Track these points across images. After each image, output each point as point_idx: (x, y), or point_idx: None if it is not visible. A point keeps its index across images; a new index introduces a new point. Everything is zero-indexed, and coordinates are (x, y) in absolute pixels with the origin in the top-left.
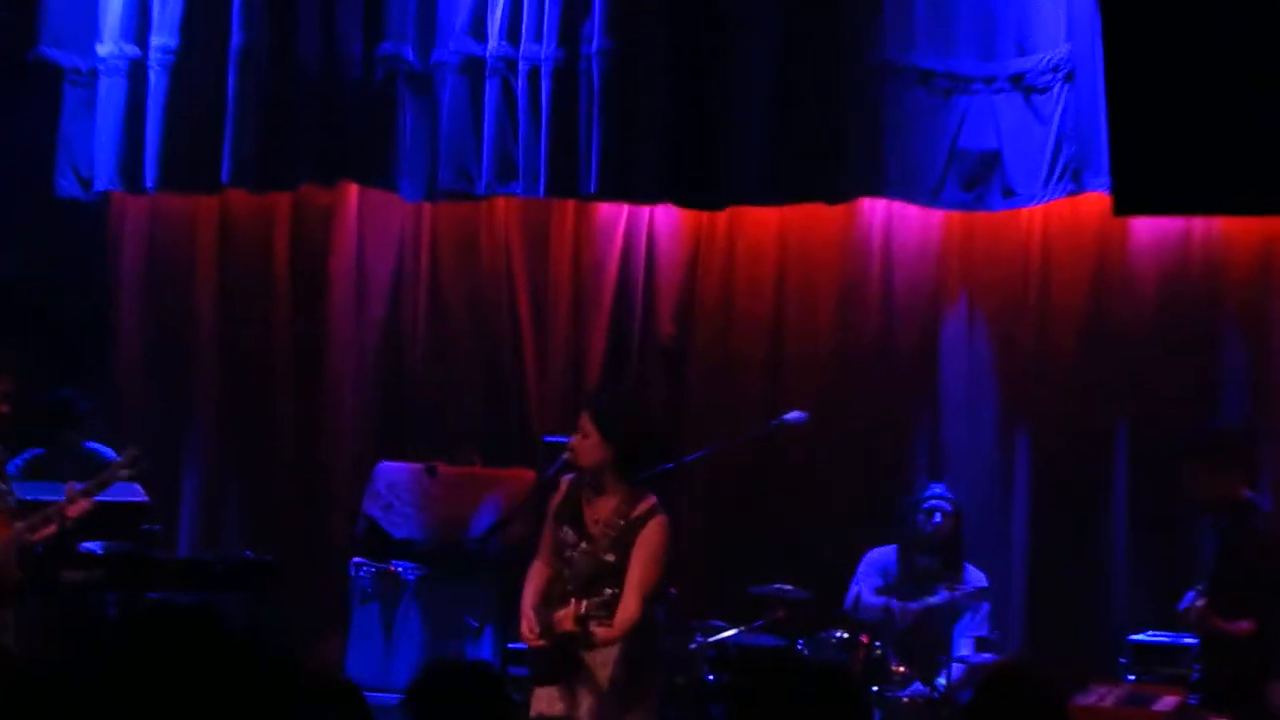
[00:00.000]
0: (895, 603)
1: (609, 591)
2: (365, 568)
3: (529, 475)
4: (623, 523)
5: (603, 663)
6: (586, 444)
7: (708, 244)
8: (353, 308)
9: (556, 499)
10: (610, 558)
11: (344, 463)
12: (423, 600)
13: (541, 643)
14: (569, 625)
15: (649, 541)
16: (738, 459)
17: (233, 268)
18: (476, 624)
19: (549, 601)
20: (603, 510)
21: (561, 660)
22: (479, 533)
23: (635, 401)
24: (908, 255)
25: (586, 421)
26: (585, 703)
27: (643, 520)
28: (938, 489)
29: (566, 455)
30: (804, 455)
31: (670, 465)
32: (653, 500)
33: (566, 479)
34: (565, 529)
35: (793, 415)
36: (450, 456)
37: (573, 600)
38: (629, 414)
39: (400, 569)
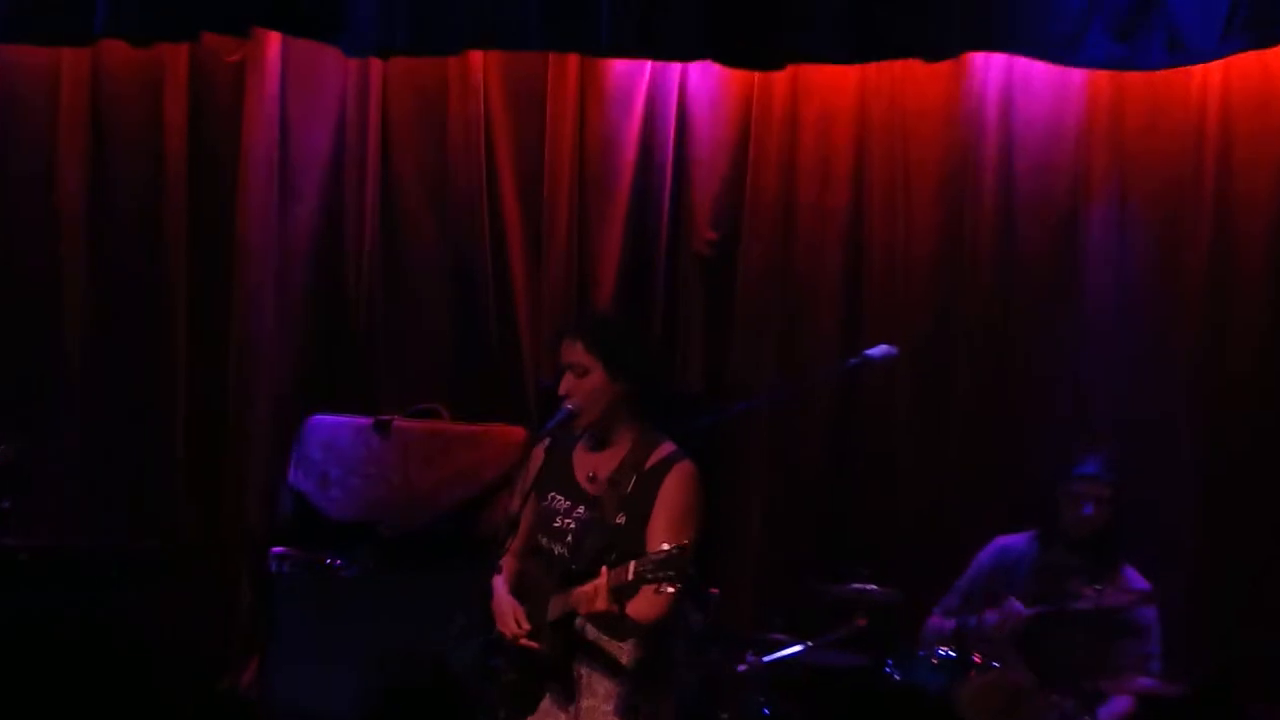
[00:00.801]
0: (1020, 607)
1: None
2: (291, 560)
3: (516, 433)
4: (634, 476)
5: (602, 679)
6: (586, 385)
7: (762, 116)
8: (273, 202)
9: (530, 473)
10: (620, 519)
11: (261, 416)
12: (370, 603)
13: (536, 644)
14: (602, 603)
15: (673, 498)
16: (803, 412)
17: (108, 147)
18: (442, 635)
19: (528, 599)
20: (604, 464)
21: (555, 671)
22: (448, 512)
23: (630, 319)
24: (1034, 132)
25: (580, 352)
26: None
27: (660, 471)
28: (1090, 468)
29: (570, 406)
30: (893, 407)
31: (712, 419)
32: (670, 446)
33: (541, 445)
34: (553, 496)
35: (877, 351)
36: (408, 407)
37: (605, 570)
38: (632, 334)
39: (339, 562)
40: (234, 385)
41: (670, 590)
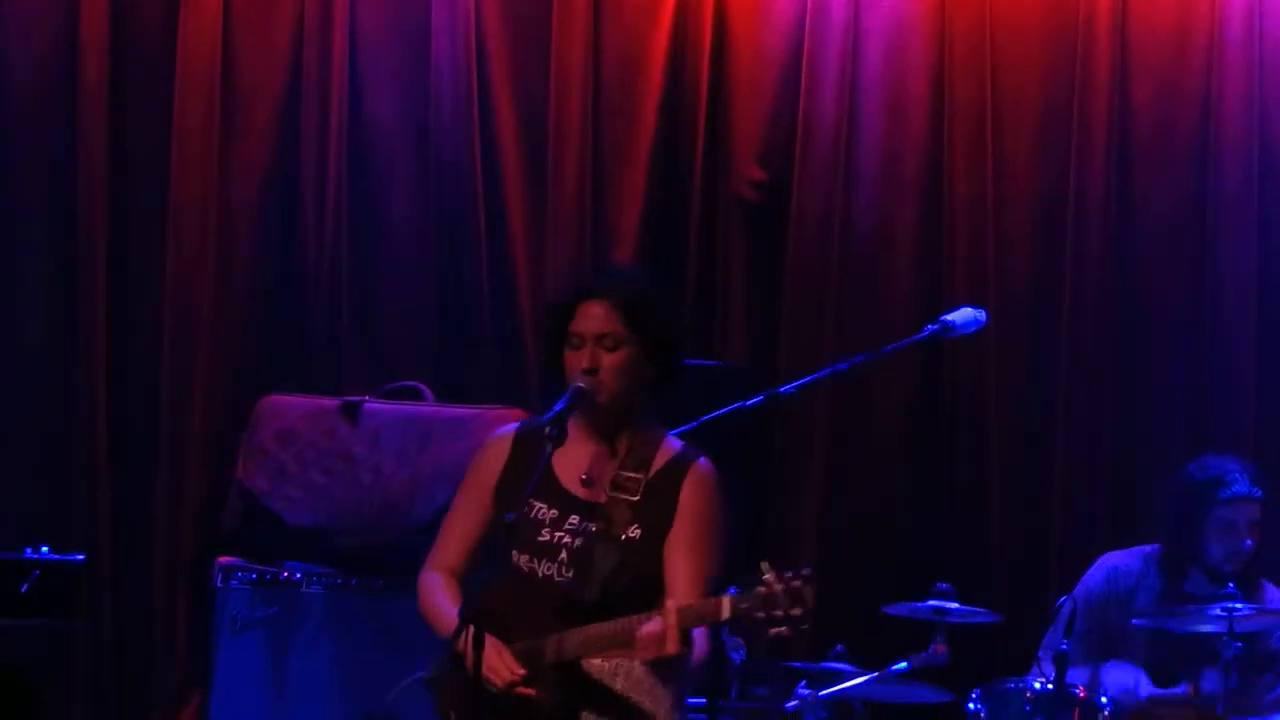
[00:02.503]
0: (1146, 689)
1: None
2: (240, 574)
3: (513, 417)
4: (643, 480)
5: None
6: (616, 362)
7: (817, 27)
8: (215, 136)
9: (493, 463)
10: (635, 533)
11: (201, 400)
12: (337, 627)
13: (534, 693)
14: (673, 646)
15: (698, 509)
16: (871, 391)
17: (7, 68)
18: (424, 667)
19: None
20: (599, 463)
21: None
22: (431, 514)
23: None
24: (1157, 46)
25: (615, 321)
26: None
27: (675, 474)
28: (1240, 487)
29: (583, 384)
30: (981, 387)
31: (758, 402)
32: (675, 440)
33: (506, 433)
34: (535, 504)
35: (961, 316)
36: (382, 387)
37: (673, 607)
38: (669, 302)
39: (298, 576)
40: (168, 370)
41: (785, 632)
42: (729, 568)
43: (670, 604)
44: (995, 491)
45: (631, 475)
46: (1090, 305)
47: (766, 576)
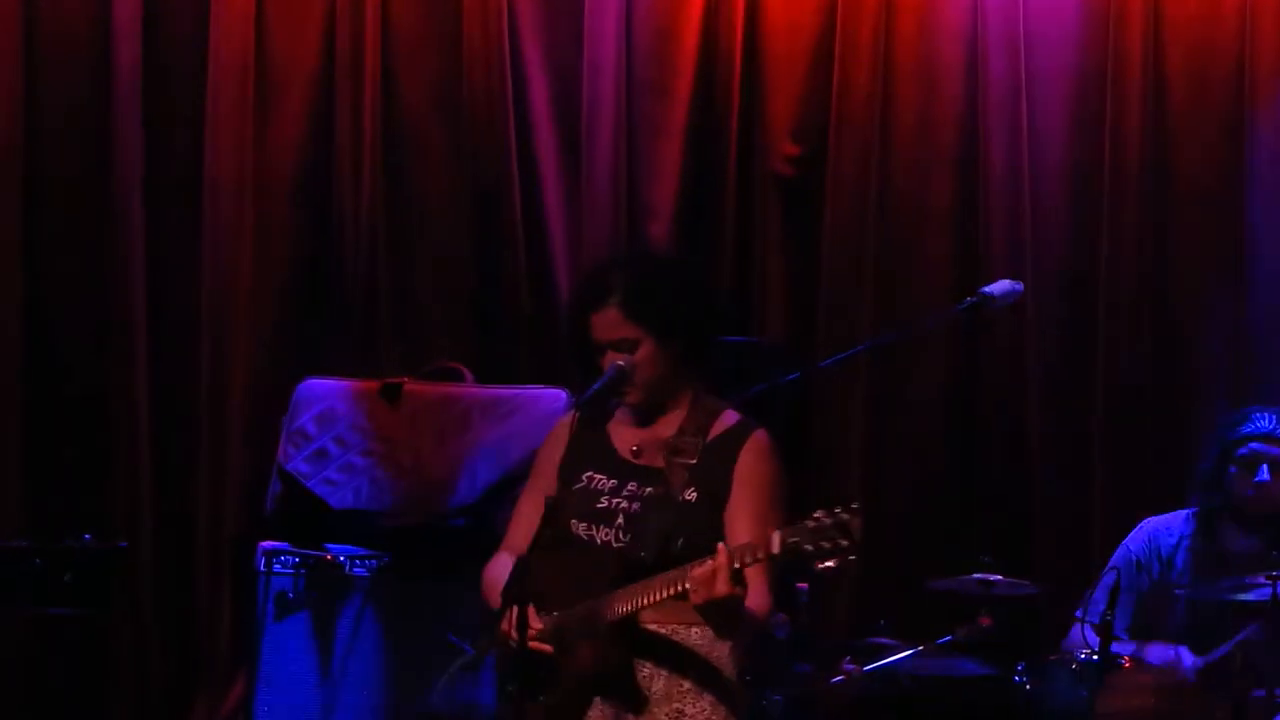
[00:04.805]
0: (1189, 659)
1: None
2: (284, 558)
3: (554, 397)
4: (701, 444)
5: (670, 688)
6: (640, 359)
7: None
8: (249, 123)
9: (555, 447)
10: (691, 495)
11: (240, 382)
12: (381, 608)
13: (547, 647)
14: (724, 587)
15: (757, 476)
16: (909, 366)
17: (44, 59)
18: (470, 645)
19: (555, 601)
20: (655, 434)
21: (613, 684)
22: (473, 496)
23: (667, 259)
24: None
25: (622, 324)
26: None
27: (732, 442)
28: (1263, 423)
29: (621, 363)
30: (1021, 360)
31: (797, 376)
32: (733, 410)
33: (565, 423)
34: (590, 476)
35: (999, 288)
36: (421, 369)
37: (722, 548)
38: (674, 278)
39: (342, 558)
40: (207, 353)
41: (833, 565)
42: None
43: (720, 545)
44: (1036, 463)
45: (689, 439)
46: (1126, 274)
47: (816, 513)
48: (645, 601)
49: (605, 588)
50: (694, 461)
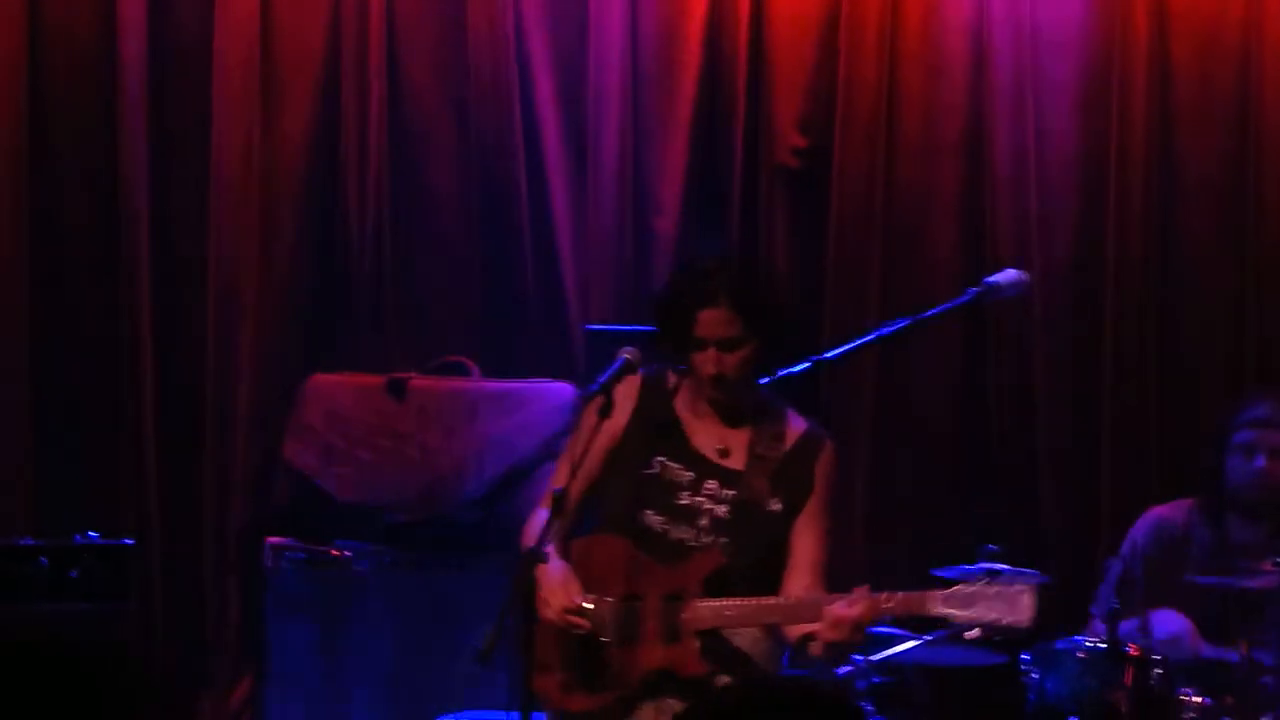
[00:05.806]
0: (1203, 650)
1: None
2: (291, 553)
3: (561, 391)
4: (780, 451)
5: None
6: (737, 360)
7: None
8: (254, 113)
9: (588, 436)
10: (776, 506)
11: (246, 378)
12: (388, 603)
13: (583, 622)
14: (860, 635)
15: (829, 488)
16: (917, 355)
17: (48, 54)
18: (480, 644)
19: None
20: (737, 433)
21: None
22: (481, 489)
23: (771, 268)
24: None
25: (736, 325)
26: None
27: (809, 451)
28: (1259, 410)
29: (627, 354)
30: (1027, 349)
31: (803, 368)
32: (799, 417)
33: (635, 377)
34: (664, 463)
35: (1004, 277)
36: (428, 363)
37: (866, 592)
38: (776, 285)
39: (348, 553)
40: (213, 346)
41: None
42: None
43: (863, 589)
44: (1042, 452)
45: (770, 446)
46: (1132, 264)
47: (985, 578)
48: (754, 622)
49: (677, 586)
50: (774, 471)
